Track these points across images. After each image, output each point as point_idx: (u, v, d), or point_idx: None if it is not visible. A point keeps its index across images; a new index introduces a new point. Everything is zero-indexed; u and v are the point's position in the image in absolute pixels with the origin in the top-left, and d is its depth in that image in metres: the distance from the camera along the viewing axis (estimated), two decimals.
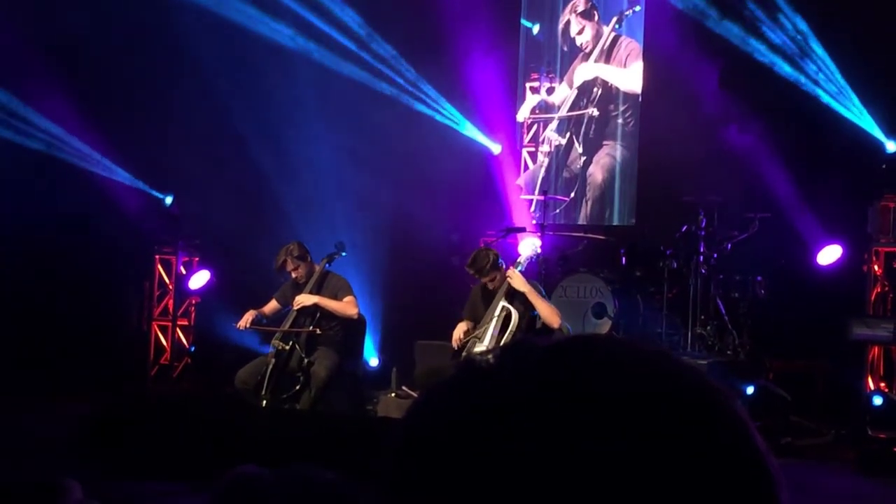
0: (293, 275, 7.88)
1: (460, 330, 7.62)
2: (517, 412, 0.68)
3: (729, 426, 0.70)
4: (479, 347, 7.32)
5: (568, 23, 11.55)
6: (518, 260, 7.78)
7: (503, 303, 7.47)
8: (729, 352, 9.19)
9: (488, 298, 7.61)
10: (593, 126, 11.43)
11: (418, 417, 0.74)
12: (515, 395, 0.69)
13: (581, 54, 11.51)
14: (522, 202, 11.44)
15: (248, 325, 7.83)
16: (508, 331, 7.38)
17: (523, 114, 11.81)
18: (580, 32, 11.47)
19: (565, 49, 11.63)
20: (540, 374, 0.70)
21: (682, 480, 0.66)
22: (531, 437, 0.67)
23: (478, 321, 7.60)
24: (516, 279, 7.45)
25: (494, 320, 7.44)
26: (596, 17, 11.40)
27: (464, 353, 7.42)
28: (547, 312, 7.44)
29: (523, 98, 11.82)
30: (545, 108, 11.75)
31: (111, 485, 5.71)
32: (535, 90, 11.78)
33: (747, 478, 0.68)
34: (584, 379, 0.69)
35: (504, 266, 7.62)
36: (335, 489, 1.92)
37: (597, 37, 11.39)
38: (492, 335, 7.40)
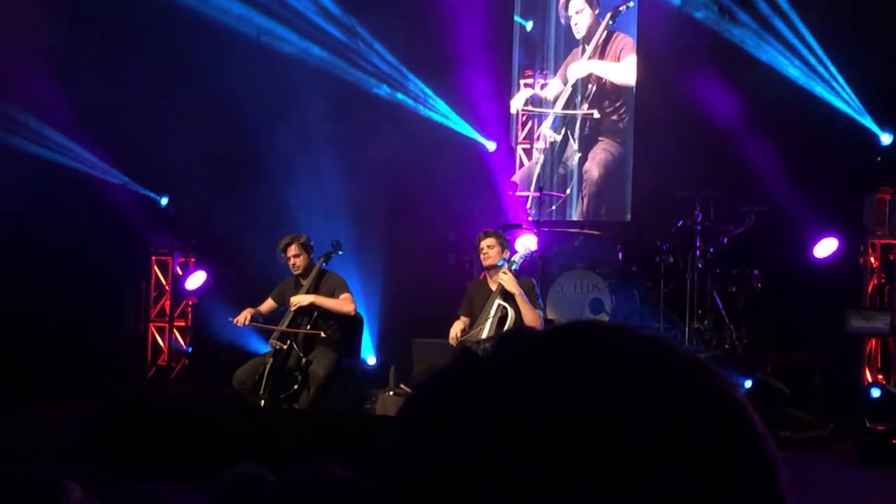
0: (291, 261, 7.81)
1: (457, 328, 7.61)
2: (516, 398, 0.68)
3: (729, 409, 0.70)
4: None
5: (567, 3, 11.47)
6: (512, 258, 7.71)
7: (499, 300, 7.45)
8: (727, 346, 9.20)
9: (484, 295, 7.60)
10: (588, 122, 11.42)
11: (417, 406, 0.73)
12: (514, 381, 0.69)
13: (575, 50, 11.49)
14: (518, 199, 11.43)
15: (246, 322, 7.81)
16: (504, 329, 7.36)
17: (516, 104, 11.79)
18: (579, 12, 11.40)
19: (559, 41, 11.59)
20: (539, 360, 0.70)
21: (684, 463, 0.66)
22: (531, 423, 0.66)
23: (474, 318, 7.59)
24: (508, 281, 7.43)
25: (490, 318, 7.42)
26: (595, 2, 11.36)
27: None
28: (530, 319, 7.38)
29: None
30: (538, 102, 11.73)
31: (111, 486, 5.70)
32: (529, 87, 11.77)
33: (748, 460, 0.68)
34: (583, 364, 0.69)
35: (509, 251, 7.65)
36: (347, 485, 1.92)
37: (593, 25, 11.35)
38: (488, 333, 7.37)
